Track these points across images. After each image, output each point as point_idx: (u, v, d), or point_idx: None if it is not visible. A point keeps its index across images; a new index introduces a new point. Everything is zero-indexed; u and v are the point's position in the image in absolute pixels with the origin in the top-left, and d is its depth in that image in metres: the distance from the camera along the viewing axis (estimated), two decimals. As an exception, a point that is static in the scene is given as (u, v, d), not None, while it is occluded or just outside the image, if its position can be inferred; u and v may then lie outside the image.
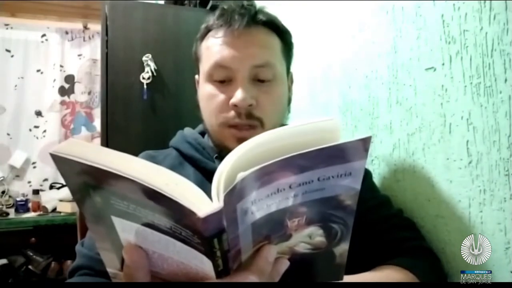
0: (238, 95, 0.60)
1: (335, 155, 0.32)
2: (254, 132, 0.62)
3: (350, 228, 0.38)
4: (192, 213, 0.28)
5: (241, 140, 0.62)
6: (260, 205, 0.33)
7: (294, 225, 0.36)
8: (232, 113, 0.62)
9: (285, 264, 0.38)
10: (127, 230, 0.35)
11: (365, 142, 0.33)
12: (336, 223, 0.38)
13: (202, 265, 0.33)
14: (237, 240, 0.33)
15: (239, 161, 0.33)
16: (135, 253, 0.36)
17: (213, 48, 0.64)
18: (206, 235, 0.30)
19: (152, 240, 0.35)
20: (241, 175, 0.30)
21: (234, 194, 0.30)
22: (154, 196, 0.29)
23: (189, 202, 0.29)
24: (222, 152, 0.66)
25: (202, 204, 0.30)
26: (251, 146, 0.34)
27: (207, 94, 0.65)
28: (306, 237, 0.38)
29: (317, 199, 0.35)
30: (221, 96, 0.63)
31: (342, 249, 0.41)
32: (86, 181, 0.33)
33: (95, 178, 0.32)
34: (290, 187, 0.33)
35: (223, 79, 0.63)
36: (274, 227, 0.35)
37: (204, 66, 0.66)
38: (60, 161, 0.31)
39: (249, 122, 0.62)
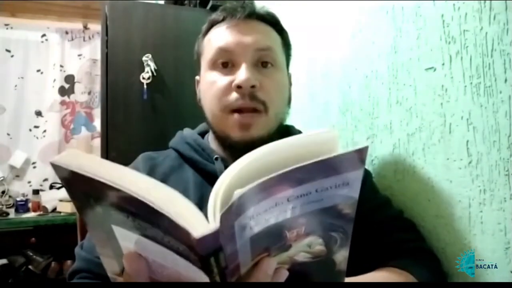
0: (241, 76, 0.60)
1: (332, 166, 0.32)
2: (258, 118, 0.62)
3: (350, 235, 0.38)
4: (187, 233, 0.28)
5: (244, 127, 0.62)
6: (258, 220, 0.33)
7: (293, 236, 0.36)
8: (235, 95, 0.62)
9: (284, 275, 0.38)
10: (127, 239, 0.36)
11: (361, 153, 0.33)
12: (335, 232, 0.38)
13: (200, 279, 0.33)
14: (235, 255, 0.33)
15: (236, 178, 0.33)
16: (136, 261, 0.36)
17: (216, 37, 0.66)
18: (202, 254, 0.30)
19: (151, 250, 0.35)
20: (238, 193, 0.30)
21: (231, 212, 0.30)
22: (151, 211, 0.30)
23: (185, 221, 0.29)
24: (224, 147, 0.66)
25: (198, 223, 0.30)
26: (248, 162, 0.34)
27: (210, 81, 0.65)
28: (306, 247, 0.38)
29: (315, 210, 0.34)
30: (224, 80, 0.63)
31: (342, 256, 0.40)
32: (86, 191, 0.33)
33: (94, 189, 0.32)
34: (288, 200, 0.33)
35: (226, 64, 0.64)
36: (273, 240, 0.35)
37: (207, 55, 0.67)
38: (60, 171, 0.32)
39: (252, 104, 0.62)
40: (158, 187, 0.32)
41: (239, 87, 0.61)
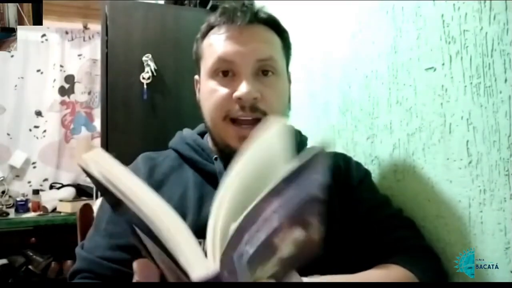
0: (243, 89, 0.60)
1: (307, 166, 0.34)
2: (257, 128, 0.62)
3: (322, 212, 0.39)
4: (186, 274, 0.29)
5: (243, 139, 0.62)
6: (252, 242, 0.33)
7: (280, 240, 0.37)
8: (236, 106, 0.62)
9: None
10: (147, 242, 0.37)
11: (327, 144, 0.35)
12: (311, 215, 0.38)
13: None
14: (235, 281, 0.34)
15: (228, 210, 0.34)
16: (146, 268, 0.36)
17: (216, 44, 0.65)
18: None
19: (163, 259, 0.36)
20: (234, 227, 0.31)
21: (230, 248, 0.31)
22: (155, 237, 0.31)
23: (185, 257, 0.30)
24: (222, 152, 0.66)
25: (196, 261, 0.30)
26: (234, 189, 0.35)
27: (210, 89, 0.65)
28: (290, 242, 0.38)
29: (295, 207, 0.35)
30: (225, 90, 0.63)
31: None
32: (109, 193, 0.35)
33: (113, 197, 0.34)
34: (274, 211, 0.33)
35: (227, 72, 0.64)
36: (265, 252, 0.36)
37: (207, 62, 0.66)
38: (87, 173, 0.34)
39: (253, 116, 0.62)
40: (168, 214, 0.33)
41: (240, 98, 0.61)
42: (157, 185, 0.66)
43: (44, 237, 2.16)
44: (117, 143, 1.48)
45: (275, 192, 0.32)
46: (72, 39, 2.73)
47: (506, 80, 0.53)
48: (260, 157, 0.37)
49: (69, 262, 2.18)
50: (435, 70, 0.65)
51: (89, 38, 2.77)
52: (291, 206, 0.34)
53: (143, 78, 1.50)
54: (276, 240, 0.36)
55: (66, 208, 2.21)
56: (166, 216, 0.32)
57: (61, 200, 2.26)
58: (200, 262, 0.31)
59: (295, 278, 0.41)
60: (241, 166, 0.37)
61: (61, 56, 2.69)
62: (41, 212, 2.23)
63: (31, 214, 2.22)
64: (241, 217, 0.31)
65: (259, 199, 0.31)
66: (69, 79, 2.72)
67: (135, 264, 0.37)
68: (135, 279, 0.37)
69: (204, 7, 1.71)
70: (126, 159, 0.75)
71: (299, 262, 0.44)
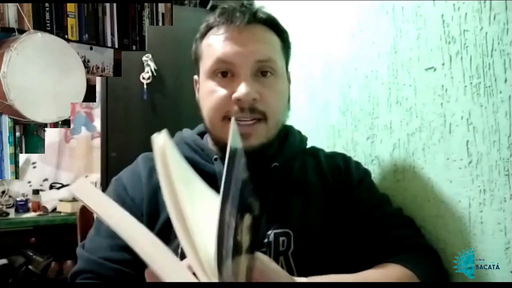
0: (242, 90, 0.60)
1: (232, 160, 0.35)
2: (257, 127, 0.62)
3: (252, 187, 0.41)
4: None
5: (243, 137, 0.62)
6: (228, 253, 0.35)
7: (241, 235, 0.37)
8: (235, 107, 0.62)
9: None
10: None
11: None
12: (249, 197, 0.40)
13: None
14: None
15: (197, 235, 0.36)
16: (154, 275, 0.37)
17: (215, 45, 0.65)
18: None
19: None
20: (212, 249, 0.33)
21: (220, 265, 0.33)
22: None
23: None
24: (223, 152, 0.66)
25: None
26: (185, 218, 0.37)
27: (209, 90, 0.65)
28: (246, 230, 0.39)
29: (238, 199, 0.37)
30: (224, 91, 0.63)
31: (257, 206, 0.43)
32: None
33: None
34: (229, 214, 0.35)
35: (226, 73, 0.64)
36: (236, 253, 0.37)
37: (206, 63, 0.66)
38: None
39: (252, 116, 0.62)
40: (162, 251, 0.36)
41: (239, 99, 0.61)
42: (157, 186, 0.66)
43: (44, 237, 2.16)
44: (117, 143, 1.48)
45: (225, 198, 0.34)
46: (72, 39, 2.72)
47: (506, 80, 0.53)
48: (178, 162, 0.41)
49: (69, 262, 2.18)
50: (435, 70, 0.65)
51: (89, 38, 2.76)
52: (236, 200, 0.36)
53: (143, 78, 1.50)
54: (238, 237, 0.37)
55: (66, 208, 2.20)
56: (163, 252, 0.35)
57: (61, 200, 2.25)
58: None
59: (262, 257, 0.43)
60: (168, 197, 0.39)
61: (61, 56, 2.68)
62: (41, 212, 2.23)
63: (31, 214, 2.21)
64: (215, 237, 0.32)
65: (218, 213, 0.32)
66: (69, 79, 2.72)
67: (146, 272, 0.38)
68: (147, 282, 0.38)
69: (204, 7, 1.71)
70: (126, 159, 0.76)
71: (258, 244, 0.45)
